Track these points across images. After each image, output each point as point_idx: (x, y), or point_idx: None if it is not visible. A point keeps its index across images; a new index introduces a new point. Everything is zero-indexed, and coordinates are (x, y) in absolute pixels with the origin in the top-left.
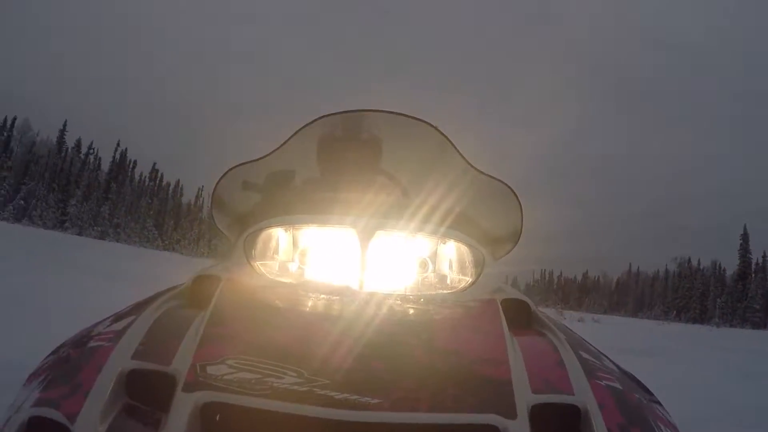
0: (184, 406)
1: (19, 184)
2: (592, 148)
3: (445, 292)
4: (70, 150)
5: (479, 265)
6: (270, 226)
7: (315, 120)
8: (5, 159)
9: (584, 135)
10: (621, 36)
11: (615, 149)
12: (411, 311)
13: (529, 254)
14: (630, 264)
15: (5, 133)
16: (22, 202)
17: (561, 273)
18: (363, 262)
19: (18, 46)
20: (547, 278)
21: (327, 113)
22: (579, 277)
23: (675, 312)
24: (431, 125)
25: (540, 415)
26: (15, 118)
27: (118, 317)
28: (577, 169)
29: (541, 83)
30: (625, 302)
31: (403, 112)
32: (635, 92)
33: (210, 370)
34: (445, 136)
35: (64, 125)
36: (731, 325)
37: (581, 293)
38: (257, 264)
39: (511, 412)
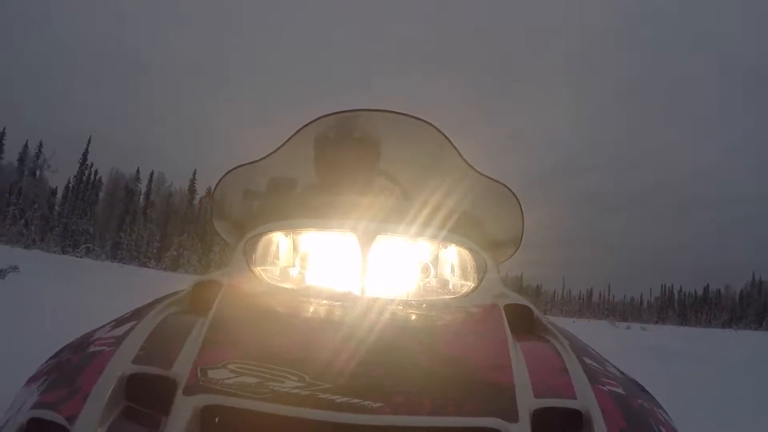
0: (184, 410)
1: (163, 235)
2: (704, 151)
3: (447, 297)
4: (201, 199)
5: (481, 269)
6: (270, 231)
7: (314, 120)
8: (150, 212)
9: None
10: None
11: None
12: (413, 316)
13: (649, 269)
14: (753, 273)
15: (138, 186)
16: (175, 253)
17: (681, 288)
18: (364, 267)
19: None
20: (666, 294)
21: (326, 113)
22: (700, 291)
23: None
24: (432, 125)
25: (542, 419)
26: (152, 173)
27: (118, 322)
28: (695, 176)
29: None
30: (747, 315)
31: (402, 112)
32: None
33: (211, 373)
34: (446, 137)
35: (194, 174)
36: None
37: (702, 308)
38: (258, 269)
39: (512, 416)
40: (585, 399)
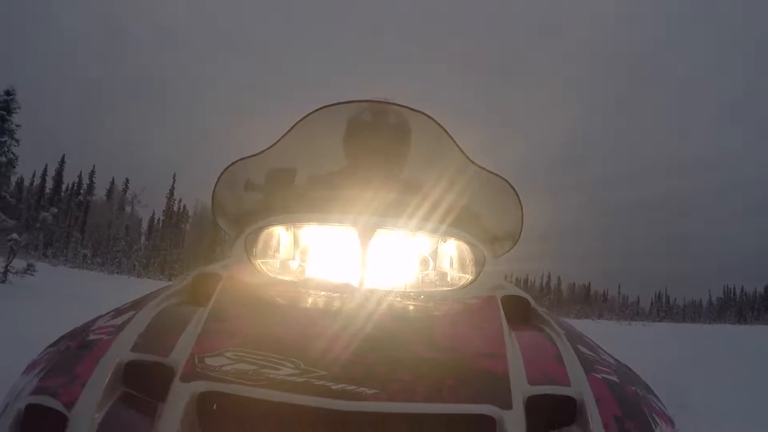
0: (180, 396)
1: None
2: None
3: (445, 289)
4: None
5: (479, 263)
6: (271, 225)
7: (313, 111)
8: None
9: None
10: None
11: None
12: (410, 307)
13: (723, 269)
14: None
15: None
16: None
17: (743, 288)
18: (363, 261)
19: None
20: (728, 295)
21: (325, 104)
22: (761, 290)
23: None
24: (431, 118)
25: (536, 405)
26: None
27: (118, 312)
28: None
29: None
30: None
31: (400, 103)
32: None
33: (208, 361)
34: (445, 130)
35: None
36: None
37: (758, 307)
38: (258, 262)
39: (506, 403)
40: (579, 386)
